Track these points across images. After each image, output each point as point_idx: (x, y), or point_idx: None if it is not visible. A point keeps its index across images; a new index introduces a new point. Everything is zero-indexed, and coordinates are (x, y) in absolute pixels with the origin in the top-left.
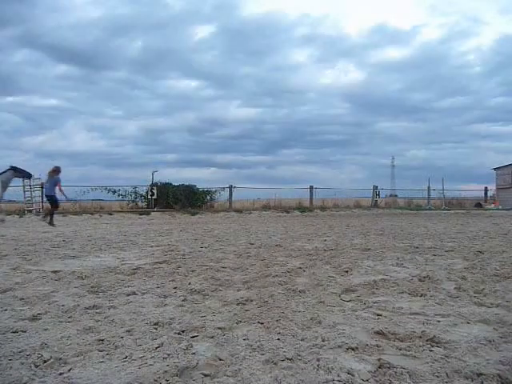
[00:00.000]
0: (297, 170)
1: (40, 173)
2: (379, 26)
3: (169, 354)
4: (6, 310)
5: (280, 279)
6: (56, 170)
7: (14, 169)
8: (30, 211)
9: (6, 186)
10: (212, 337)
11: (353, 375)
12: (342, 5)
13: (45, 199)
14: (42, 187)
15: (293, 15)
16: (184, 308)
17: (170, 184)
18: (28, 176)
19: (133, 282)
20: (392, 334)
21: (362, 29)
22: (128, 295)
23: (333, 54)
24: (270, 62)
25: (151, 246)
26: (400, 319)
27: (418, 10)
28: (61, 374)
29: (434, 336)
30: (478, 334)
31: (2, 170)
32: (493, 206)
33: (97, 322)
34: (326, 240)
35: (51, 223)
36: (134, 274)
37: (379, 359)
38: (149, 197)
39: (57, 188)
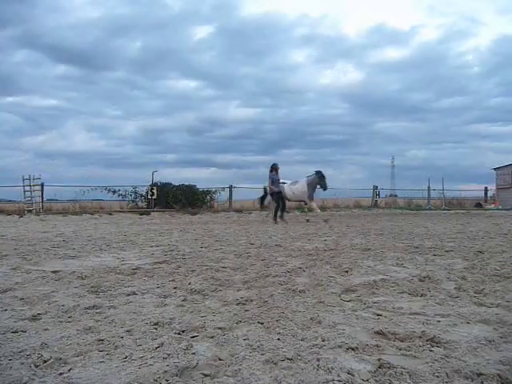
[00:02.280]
0: (297, 170)
1: (40, 173)
2: (378, 27)
3: (169, 354)
4: (5, 310)
5: (280, 279)
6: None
7: (319, 175)
8: (29, 211)
9: (312, 188)
10: (212, 337)
11: (353, 375)
12: (341, 5)
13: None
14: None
15: (292, 15)
16: (184, 308)
17: (170, 184)
18: (324, 187)
19: (133, 282)
20: (392, 334)
21: (360, 29)
22: (128, 295)
23: (332, 54)
24: (269, 62)
25: (151, 246)
26: (400, 319)
27: (417, 10)
28: (61, 373)
29: (434, 336)
30: (478, 333)
31: (310, 174)
32: (493, 206)
33: (97, 321)
34: (326, 240)
35: (282, 219)
36: (134, 274)
37: (379, 359)
38: (149, 197)
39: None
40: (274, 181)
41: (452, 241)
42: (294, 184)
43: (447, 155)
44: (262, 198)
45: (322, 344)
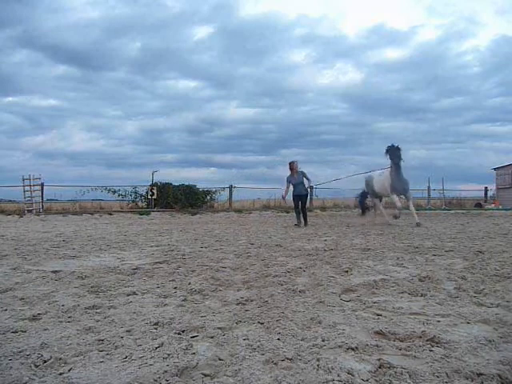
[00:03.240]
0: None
1: (40, 173)
2: (377, 27)
3: (169, 354)
4: (5, 309)
5: (280, 279)
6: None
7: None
8: (29, 211)
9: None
10: (212, 337)
11: (353, 375)
12: (340, 6)
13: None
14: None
15: (291, 16)
16: (184, 308)
17: (170, 184)
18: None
19: (133, 282)
20: (392, 334)
21: (359, 29)
22: (128, 295)
23: (331, 54)
24: (268, 62)
25: (151, 246)
26: (400, 319)
27: (416, 10)
28: (61, 373)
29: (434, 336)
30: (477, 334)
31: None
32: (493, 205)
33: (97, 321)
34: (326, 240)
35: (300, 224)
36: (134, 274)
37: (379, 359)
38: (149, 197)
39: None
40: (295, 184)
41: (452, 241)
42: (381, 175)
43: (447, 155)
44: (362, 202)
45: (321, 344)
